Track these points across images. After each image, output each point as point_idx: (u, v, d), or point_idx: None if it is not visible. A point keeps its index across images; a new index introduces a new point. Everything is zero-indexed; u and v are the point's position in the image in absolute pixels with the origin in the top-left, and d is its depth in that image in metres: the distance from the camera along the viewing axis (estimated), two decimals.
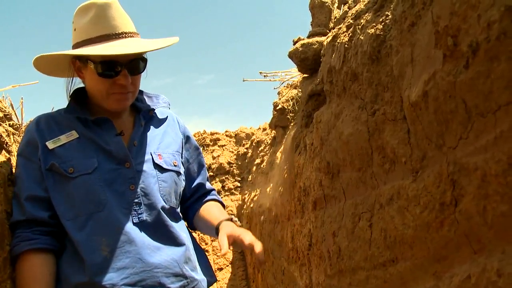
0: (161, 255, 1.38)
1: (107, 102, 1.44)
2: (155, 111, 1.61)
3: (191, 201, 1.70)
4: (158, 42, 1.48)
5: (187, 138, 1.70)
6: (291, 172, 2.51)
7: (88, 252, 1.34)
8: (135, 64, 1.42)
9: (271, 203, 3.20)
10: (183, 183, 1.59)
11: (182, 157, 1.63)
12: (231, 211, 5.34)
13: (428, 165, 1.05)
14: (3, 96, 2.17)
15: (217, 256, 5.07)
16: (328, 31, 2.27)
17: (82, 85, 1.57)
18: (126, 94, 1.44)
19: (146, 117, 1.56)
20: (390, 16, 1.23)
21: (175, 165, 1.53)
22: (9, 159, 1.55)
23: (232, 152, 6.08)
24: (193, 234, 1.64)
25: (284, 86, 3.37)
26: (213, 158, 6.04)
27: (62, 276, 1.36)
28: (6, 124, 1.90)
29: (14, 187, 1.43)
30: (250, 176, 5.29)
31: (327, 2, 2.34)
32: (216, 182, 5.85)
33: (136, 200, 1.40)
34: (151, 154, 1.48)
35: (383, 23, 1.26)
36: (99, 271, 1.32)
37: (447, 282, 0.99)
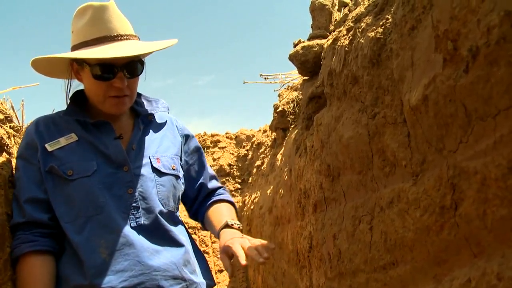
0: (160, 258, 1.37)
1: (104, 106, 1.44)
2: (154, 115, 1.61)
3: (197, 203, 1.69)
4: (155, 44, 1.47)
5: (186, 139, 1.69)
6: (291, 175, 2.51)
7: (87, 255, 1.34)
8: (132, 66, 1.42)
9: (272, 205, 3.20)
10: (182, 187, 1.59)
11: (181, 160, 1.63)
12: None
13: (428, 168, 1.05)
14: (3, 98, 2.17)
15: (217, 258, 5.07)
16: (328, 33, 2.28)
17: (81, 87, 1.58)
18: (123, 98, 1.44)
19: (145, 121, 1.57)
20: (390, 20, 1.23)
21: (173, 169, 1.52)
22: (9, 161, 1.55)
23: (233, 154, 6.08)
24: (193, 236, 1.63)
25: (285, 88, 3.37)
26: (214, 160, 6.05)
27: (61, 278, 1.36)
28: (6, 126, 1.91)
29: (14, 189, 1.43)
30: (250, 178, 5.29)
31: (327, 5, 2.34)
32: None
33: (134, 204, 1.40)
34: (150, 158, 1.48)
35: (383, 27, 1.26)
36: (98, 273, 1.32)
37: (447, 285, 1.00)
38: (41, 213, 1.38)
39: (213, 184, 1.72)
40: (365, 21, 1.41)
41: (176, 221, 1.53)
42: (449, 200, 0.96)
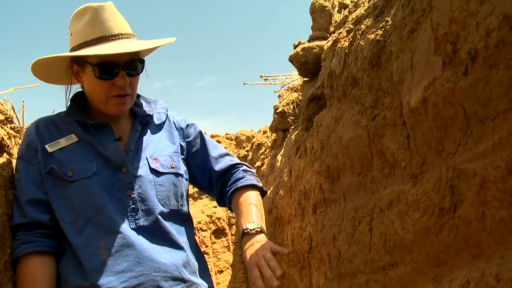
0: (160, 259, 1.38)
1: (106, 107, 1.45)
2: (153, 116, 1.61)
3: (216, 192, 1.66)
4: (154, 41, 1.48)
5: (184, 129, 1.66)
6: (291, 175, 2.52)
7: (86, 256, 1.34)
8: (132, 65, 1.42)
9: (272, 206, 3.20)
10: (185, 183, 1.58)
11: (184, 154, 1.62)
12: (231, 213, 5.34)
13: (428, 170, 1.06)
14: (4, 99, 2.17)
15: (218, 258, 5.07)
16: (328, 35, 2.28)
17: (81, 89, 1.58)
18: (125, 98, 1.44)
19: (143, 121, 1.57)
20: (390, 22, 1.23)
21: (172, 167, 1.52)
22: (10, 162, 1.56)
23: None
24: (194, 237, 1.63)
25: (285, 90, 3.38)
26: None
27: (62, 279, 1.36)
28: (7, 127, 1.91)
29: (15, 190, 1.44)
30: None
31: (327, 7, 2.35)
32: None
33: (133, 206, 1.40)
34: (147, 159, 1.48)
35: (383, 29, 1.26)
36: (98, 274, 1.32)
37: (446, 286, 1.00)
38: (41, 214, 1.38)
39: (220, 165, 1.66)
40: (365, 23, 1.42)
41: (181, 219, 1.53)
42: (448, 202, 0.96)
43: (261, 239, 1.41)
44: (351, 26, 1.57)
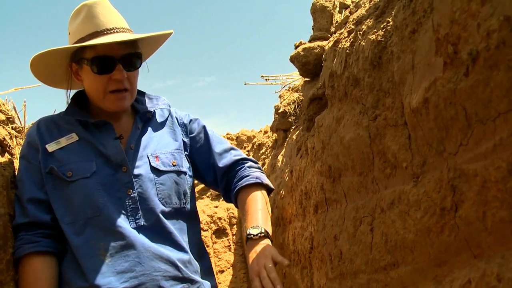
0: (160, 258, 1.37)
1: (105, 103, 1.44)
2: (155, 113, 1.60)
3: (221, 189, 1.64)
4: (150, 34, 1.48)
5: (187, 125, 1.64)
6: (292, 176, 2.52)
7: (86, 257, 1.34)
8: (129, 59, 1.42)
9: (273, 206, 3.21)
10: (189, 180, 1.56)
11: (187, 150, 1.61)
12: (232, 213, 5.34)
13: (429, 170, 1.06)
14: (5, 99, 2.17)
15: (218, 258, 5.07)
16: (329, 35, 2.28)
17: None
18: (123, 93, 1.43)
19: (144, 118, 1.56)
20: (391, 23, 1.24)
21: (174, 165, 1.50)
22: (12, 162, 1.56)
23: None
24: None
25: (286, 90, 3.38)
26: None
27: (64, 280, 1.36)
28: (8, 127, 1.91)
29: (16, 190, 1.44)
30: None
31: (328, 7, 2.35)
32: None
33: (133, 206, 1.39)
34: (148, 157, 1.47)
35: (384, 30, 1.27)
36: (98, 275, 1.32)
37: (447, 286, 1.00)
38: (43, 213, 1.38)
39: (224, 160, 1.63)
40: (366, 23, 1.42)
41: (185, 217, 1.51)
42: (450, 202, 0.97)
43: (265, 245, 1.40)
44: (352, 26, 1.58)
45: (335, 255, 1.69)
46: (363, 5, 1.66)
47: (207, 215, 5.17)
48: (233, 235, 5.22)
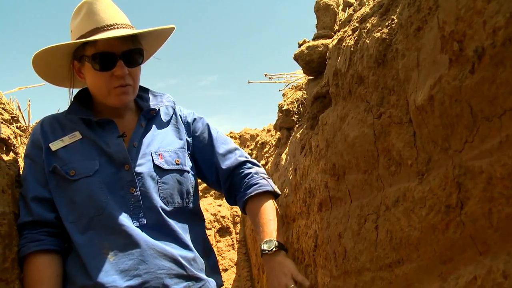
0: (164, 256, 1.37)
1: (108, 99, 1.44)
2: (160, 110, 1.59)
3: (225, 191, 1.65)
4: (150, 29, 1.48)
5: (191, 124, 1.63)
6: (296, 174, 2.52)
7: (89, 256, 1.34)
8: (130, 55, 1.42)
9: (276, 204, 3.21)
10: (192, 179, 1.55)
11: (189, 150, 1.60)
12: (236, 212, 5.34)
13: (434, 168, 1.06)
14: (10, 98, 2.19)
15: (222, 257, 5.08)
16: (333, 33, 2.28)
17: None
18: (126, 88, 1.43)
19: (147, 116, 1.55)
20: (396, 21, 1.24)
21: (177, 164, 1.50)
22: (16, 161, 1.57)
23: None
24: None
25: (289, 88, 3.38)
26: None
27: (68, 278, 1.37)
28: (13, 126, 1.92)
29: (21, 188, 1.45)
30: None
31: (332, 5, 2.35)
32: None
33: (136, 204, 1.39)
34: (151, 155, 1.47)
35: (389, 27, 1.27)
36: (102, 273, 1.32)
37: (453, 283, 1.00)
38: (47, 212, 1.39)
39: (228, 162, 1.64)
40: (370, 21, 1.42)
41: (188, 216, 1.52)
42: (455, 199, 0.97)
43: (282, 260, 1.42)
44: (356, 24, 1.58)
45: (340, 253, 1.69)
46: (366, 3, 1.66)
47: (211, 214, 5.18)
48: (236, 233, 5.22)
